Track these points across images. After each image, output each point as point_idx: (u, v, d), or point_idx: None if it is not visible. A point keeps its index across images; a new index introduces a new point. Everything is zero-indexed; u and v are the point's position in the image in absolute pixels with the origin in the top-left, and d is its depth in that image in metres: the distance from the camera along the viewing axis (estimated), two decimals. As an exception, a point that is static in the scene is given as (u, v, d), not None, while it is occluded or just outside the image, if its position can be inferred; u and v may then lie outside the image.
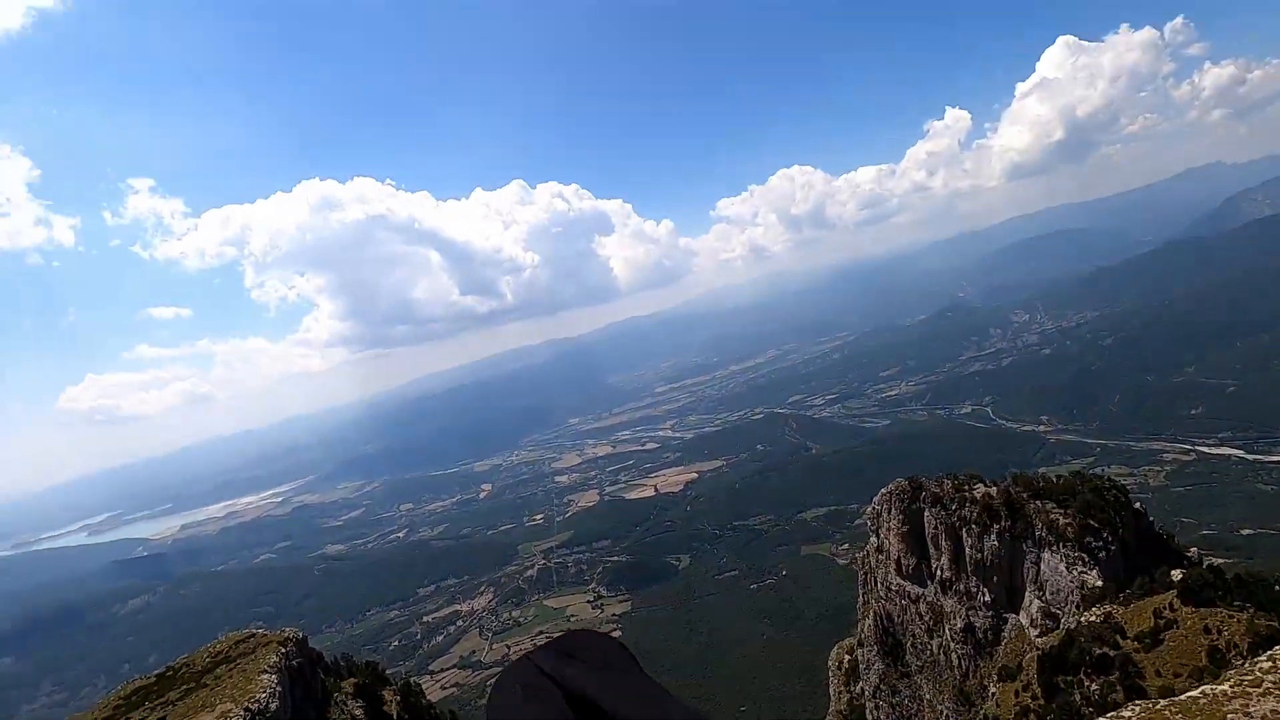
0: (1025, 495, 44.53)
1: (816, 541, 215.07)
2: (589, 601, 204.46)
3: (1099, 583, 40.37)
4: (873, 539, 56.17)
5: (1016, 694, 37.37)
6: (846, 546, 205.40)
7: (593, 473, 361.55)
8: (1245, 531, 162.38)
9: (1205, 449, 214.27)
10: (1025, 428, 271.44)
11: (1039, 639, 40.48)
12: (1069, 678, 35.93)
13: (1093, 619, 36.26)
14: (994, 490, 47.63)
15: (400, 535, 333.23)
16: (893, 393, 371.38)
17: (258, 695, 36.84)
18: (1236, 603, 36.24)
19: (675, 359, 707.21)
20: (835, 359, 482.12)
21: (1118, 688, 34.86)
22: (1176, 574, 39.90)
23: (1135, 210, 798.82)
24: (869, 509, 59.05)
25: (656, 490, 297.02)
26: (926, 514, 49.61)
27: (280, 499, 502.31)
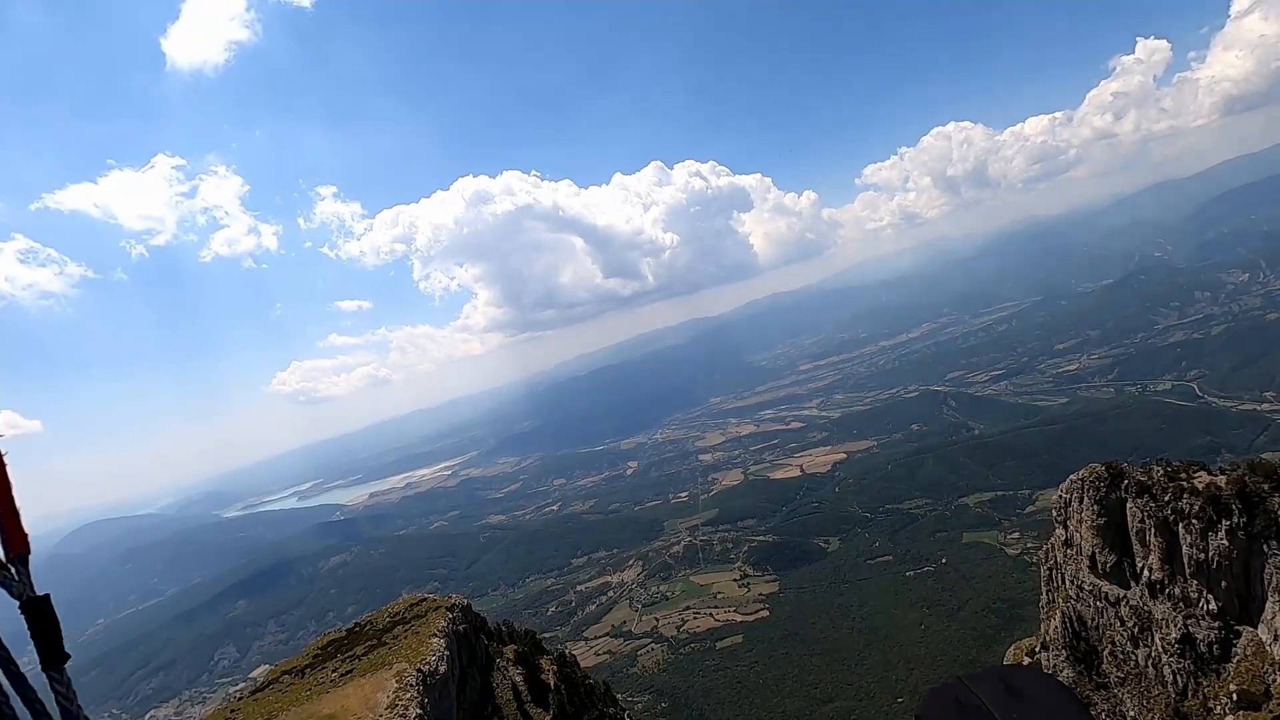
0: (1266, 486, 36.81)
1: (980, 529, 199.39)
2: (735, 580, 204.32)
3: None
4: (1059, 531, 49.83)
5: None
6: (1017, 535, 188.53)
7: (736, 452, 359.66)
8: None
9: None
10: (1243, 406, 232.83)
11: None
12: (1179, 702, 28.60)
13: None
14: (1221, 479, 39.91)
15: (554, 508, 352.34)
16: (1071, 368, 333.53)
17: (429, 658, 40.23)
18: None
19: (819, 335, 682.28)
20: (1001, 331, 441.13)
21: None
22: None
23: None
24: (1055, 497, 52.32)
25: (802, 470, 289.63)
26: (1130, 505, 42.71)
27: (450, 472, 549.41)
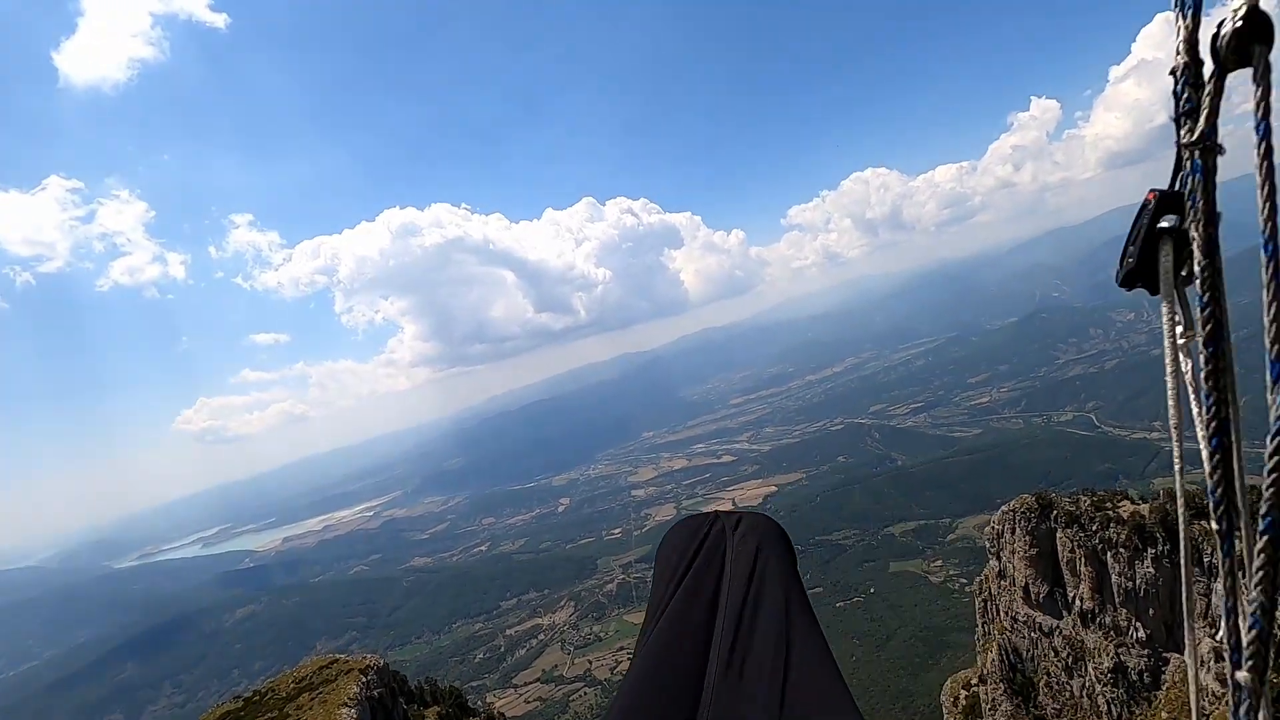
0: (1188, 515, 38.78)
1: (905, 558, 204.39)
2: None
3: None
4: (993, 562, 51.10)
5: None
6: (940, 563, 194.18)
7: (669, 486, 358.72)
8: None
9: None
10: (1135, 435, 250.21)
11: (1219, 686, 34.42)
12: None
13: None
14: (1145, 508, 41.93)
15: (483, 548, 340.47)
16: (983, 400, 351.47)
17: (339, 732, 36.53)
18: None
19: (749, 370, 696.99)
20: (919, 366, 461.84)
21: None
22: None
23: (1250, 194, 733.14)
24: (988, 528, 53.65)
25: (734, 504, 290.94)
26: (1060, 535, 44.33)
27: (371, 513, 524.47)
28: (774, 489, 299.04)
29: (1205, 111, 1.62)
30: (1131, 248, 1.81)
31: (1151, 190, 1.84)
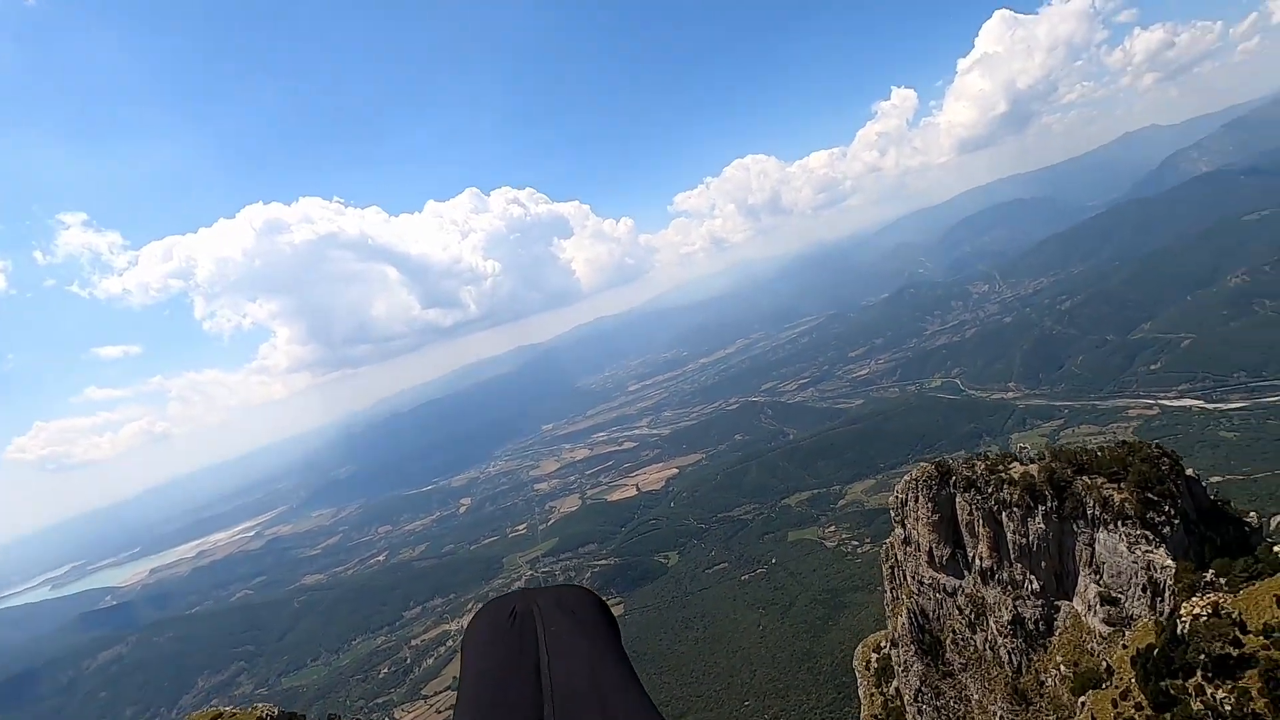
0: (1070, 471, 42.40)
1: (802, 526, 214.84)
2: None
3: (1168, 562, 38.01)
4: (898, 530, 54.05)
5: (1115, 703, 34.36)
6: (833, 529, 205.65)
7: (572, 477, 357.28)
8: (1215, 479, 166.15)
9: (1167, 402, 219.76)
10: (994, 396, 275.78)
11: (1104, 627, 37.97)
12: (1180, 682, 32.17)
13: (1199, 611, 32.75)
14: (1034, 469, 45.56)
15: (381, 559, 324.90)
16: (863, 372, 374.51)
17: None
18: None
19: (645, 356, 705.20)
20: (804, 343, 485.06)
21: (1254, 695, 30.30)
22: None
23: (1079, 176, 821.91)
24: (891, 499, 56.69)
25: (638, 489, 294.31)
26: (959, 499, 47.46)
27: (253, 533, 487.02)
28: (675, 471, 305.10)
29: None
30: None
31: None
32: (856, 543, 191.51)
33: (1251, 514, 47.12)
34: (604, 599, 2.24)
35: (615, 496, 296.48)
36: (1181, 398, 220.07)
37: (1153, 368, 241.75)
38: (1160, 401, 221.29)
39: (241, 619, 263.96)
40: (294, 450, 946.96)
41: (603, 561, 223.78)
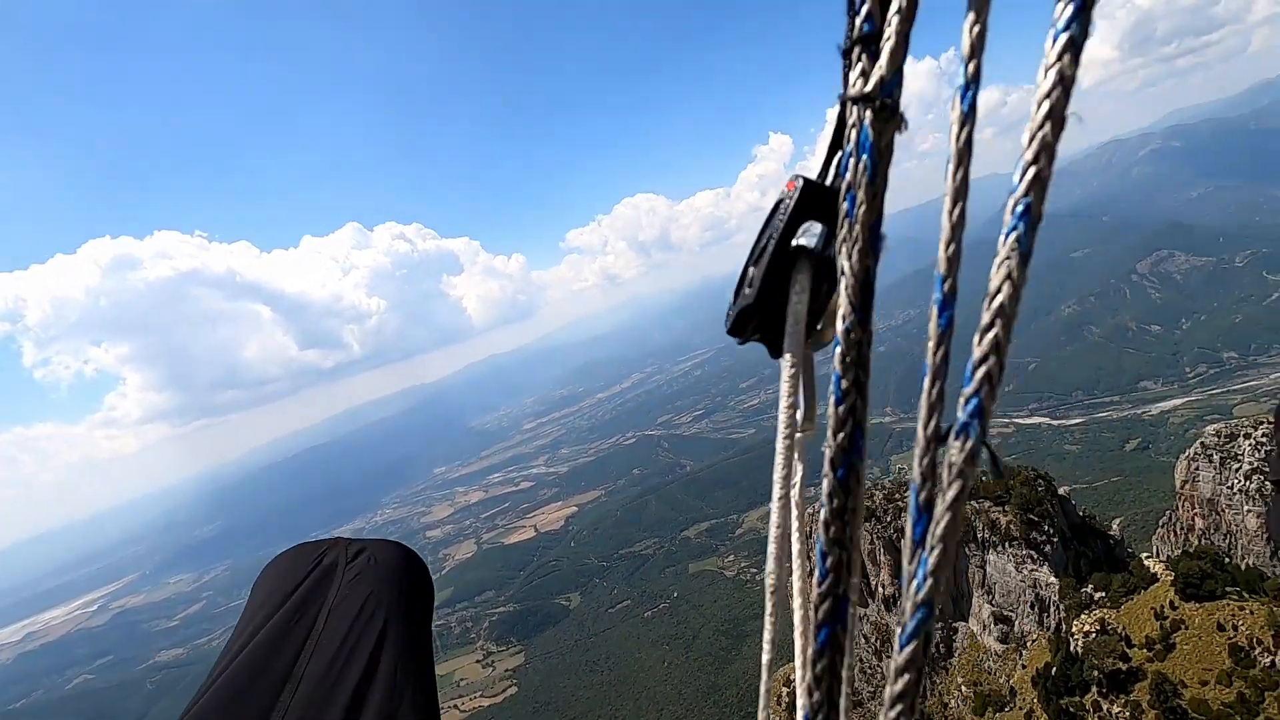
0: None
1: (702, 558, 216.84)
2: (479, 661, 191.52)
3: (1052, 579, 41.01)
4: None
5: None
6: (732, 558, 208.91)
7: (467, 522, 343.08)
8: (1063, 490, 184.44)
9: (1020, 420, 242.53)
10: (874, 420, 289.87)
11: (999, 645, 40.13)
12: (1078, 699, 34.31)
13: (1089, 628, 35.32)
14: None
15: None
16: (754, 402, 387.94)
17: None
18: (1236, 592, 35.59)
19: (540, 393, 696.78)
20: (697, 376, 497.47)
21: (1144, 708, 32.35)
22: (1156, 565, 40.29)
23: (936, 217, 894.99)
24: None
25: (537, 530, 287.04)
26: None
27: (95, 607, 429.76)
28: (575, 509, 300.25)
29: (890, 45, 0.93)
30: (753, 271, 1.12)
31: (793, 177, 1.11)
32: (755, 570, 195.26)
33: (1114, 527, 52.32)
34: (425, 567, 2.01)
35: (513, 539, 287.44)
36: (1032, 415, 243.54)
37: (1007, 389, 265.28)
38: (1015, 420, 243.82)
39: (82, 708, 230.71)
40: (148, 509, 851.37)
41: (501, 609, 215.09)
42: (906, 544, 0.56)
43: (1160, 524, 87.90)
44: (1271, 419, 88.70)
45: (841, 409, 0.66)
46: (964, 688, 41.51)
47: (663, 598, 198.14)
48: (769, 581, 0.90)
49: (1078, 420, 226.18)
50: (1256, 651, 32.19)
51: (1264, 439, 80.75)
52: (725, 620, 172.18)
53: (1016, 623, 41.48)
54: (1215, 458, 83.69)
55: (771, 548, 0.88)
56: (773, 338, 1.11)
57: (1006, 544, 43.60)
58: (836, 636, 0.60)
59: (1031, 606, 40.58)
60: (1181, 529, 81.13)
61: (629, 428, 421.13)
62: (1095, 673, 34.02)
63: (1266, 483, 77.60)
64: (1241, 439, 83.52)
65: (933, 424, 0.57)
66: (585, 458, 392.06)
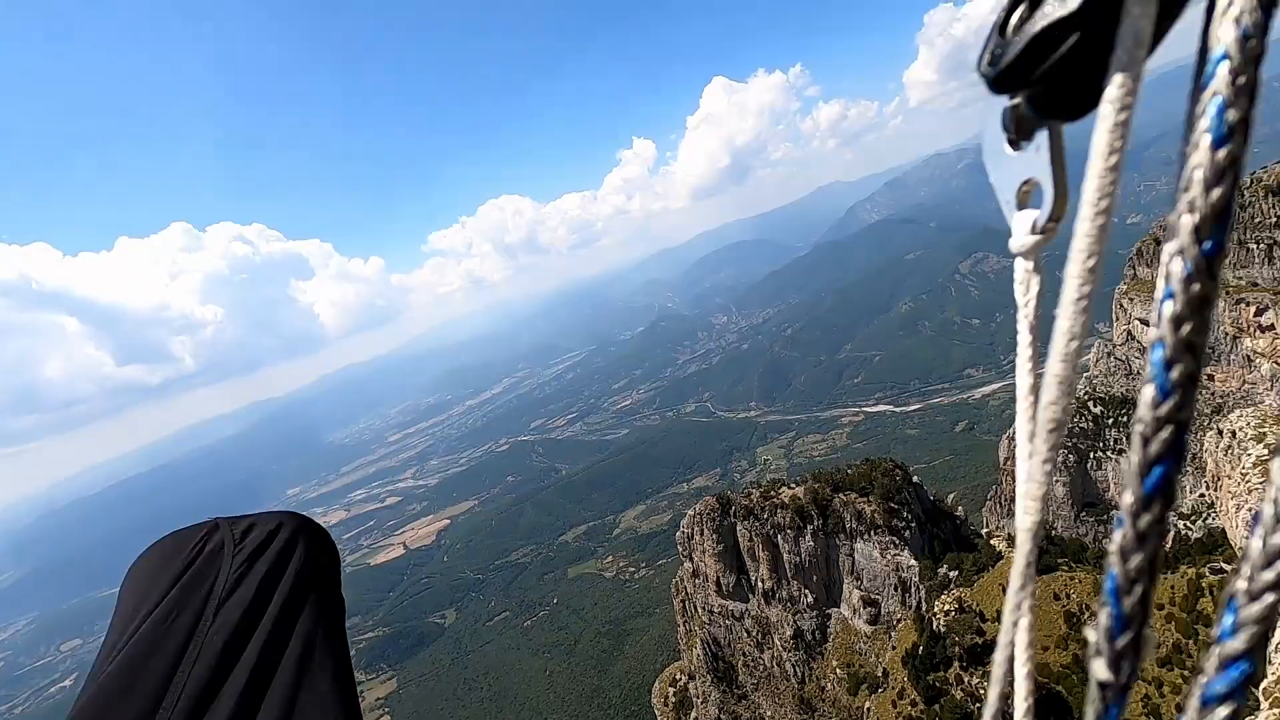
0: (829, 491, 47.85)
1: (581, 561, 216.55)
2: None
3: (912, 562, 44.31)
4: (686, 564, 56.33)
5: (894, 704, 38.62)
6: (610, 559, 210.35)
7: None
8: (915, 478, 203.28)
9: (869, 409, 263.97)
10: (740, 415, 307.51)
11: (868, 627, 42.69)
12: (942, 674, 37.14)
13: (948, 607, 38.26)
14: (801, 491, 50.83)
15: (67, 683, 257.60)
16: (626, 403, 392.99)
17: None
18: (1066, 563, 40.31)
19: (405, 403, 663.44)
20: (569, 379, 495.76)
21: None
22: (1000, 544, 44.43)
23: (788, 222, 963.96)
24: (678, 534, 58.93)
25: (406, 547, 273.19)
26: (739, 528, 51.07)
27: None
28: (447, 522, 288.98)
29: None
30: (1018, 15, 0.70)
31: None
32: (633, 569, 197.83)
33: (959, 509, 58.18)
34: (328, 535, 1.71)
35: (380, 559, 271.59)
36: (878, 404, 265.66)
37: (856, 381, 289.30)
38: (864, 409, 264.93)
39: None
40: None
41: (370, 634, 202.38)
42: None
43: (989, 497, 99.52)
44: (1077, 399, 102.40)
45: (1221, 153, 0.48)
46: (839, 670, 44.56)
47: (542, 605, 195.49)
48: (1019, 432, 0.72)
49: (916, 406, 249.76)
50: (1086, 616, 36.90)
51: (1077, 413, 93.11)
52: (606, 621, 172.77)
53: (883, 605, 45.17)
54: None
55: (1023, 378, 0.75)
56: (1068, 83, 0.69)
57: (871, 532, 47.49)
58: (1170, 478, 0.51)
59: (895, 589, 44.35)
60: (1005, 500, 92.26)
61: (501, 434, 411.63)
62: (956, 648, 37.92)
63: (1070, 455, 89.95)
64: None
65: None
66: (456, 468, 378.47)
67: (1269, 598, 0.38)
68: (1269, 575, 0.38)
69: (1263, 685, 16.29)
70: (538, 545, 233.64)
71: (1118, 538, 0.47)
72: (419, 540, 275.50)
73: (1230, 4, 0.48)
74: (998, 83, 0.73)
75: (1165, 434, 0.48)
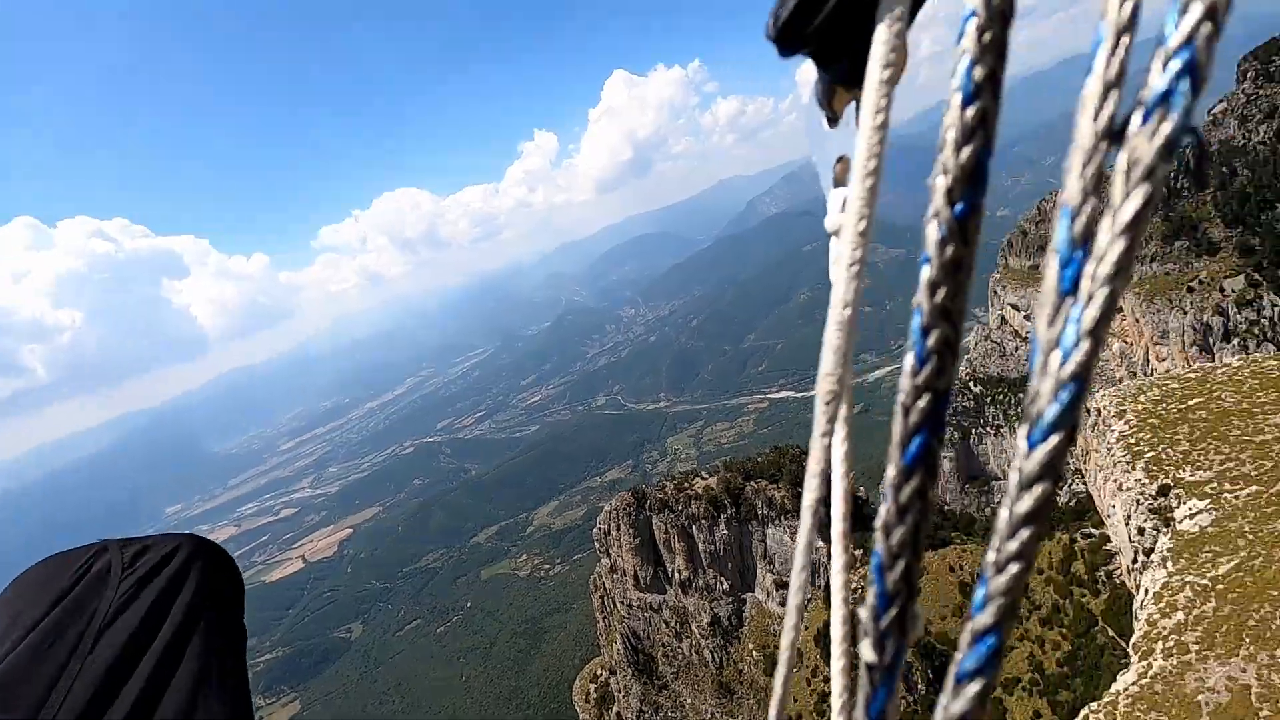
0: (741, 479, 48.90)
1: (494, 562, 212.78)
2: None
3: (821, 543, 45.78)
4: (604, 560, 56.21)
5: (808, 681, 39.91)
6: (525, 557, 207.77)
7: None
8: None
9: (773, 396, 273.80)
10: (650, 407, 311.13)
11: (780, 609, 43.78)
12: (852, 649, 38.47)
13: (856, 585, 39.78)
14: (714, 481, 51.77)
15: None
16: (536, 399, 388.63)
17: None
18: (959, 537, 42.95)
19: (299, 408, 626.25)
20: (476, 376, 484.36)
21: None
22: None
23: (690, 215, 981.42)
24: (594, 531, 58.68)
25: (305, 560, 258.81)
26: (655, 521, 51.44)
27: None
28: (349, 531, 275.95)
29: None
30: None
31: None
32: (549, 566, 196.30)
33: (860, 489, 61.20)
34: (229, 558, 1.57)
35: (276, 575, 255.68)
36: (781, 390, 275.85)
37: (760, 369, 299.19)
38: (768, 396, 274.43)
39: None
40: None
41: (268, 655, 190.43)
42: (1048, 297, 0.41)
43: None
44: (957, 383, 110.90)
45: (970, 110, 0.47)
46: (755, 652, 46.20)
47: (455, 610, 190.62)
48: (821, 405, 0.65)
49: (813, 392, 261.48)
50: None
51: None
52: (522, 621, 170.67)
53: (795, 586, 46.81)
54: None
55: (828, 356, 0.64)
56: (843, 40, 0.67)
57: (782, 517, 49.55)
58: (931, 447, 0.49)
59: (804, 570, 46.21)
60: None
61: (406, 436, 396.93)
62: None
63: (954, 433, 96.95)
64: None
65: (1106, 109, 0.40)
66: (358, 474, 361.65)
67: (1013, 568, 0.34)
68: (1013, 545, 0.35)
69: (1132, 640, 18.01)
70: (448, 549, 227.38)
71: (882, 512, 0.43)
72: (319, 552, 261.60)
73: None
74: (778, 43, 0.70)
75: (923, 402, 0.47)
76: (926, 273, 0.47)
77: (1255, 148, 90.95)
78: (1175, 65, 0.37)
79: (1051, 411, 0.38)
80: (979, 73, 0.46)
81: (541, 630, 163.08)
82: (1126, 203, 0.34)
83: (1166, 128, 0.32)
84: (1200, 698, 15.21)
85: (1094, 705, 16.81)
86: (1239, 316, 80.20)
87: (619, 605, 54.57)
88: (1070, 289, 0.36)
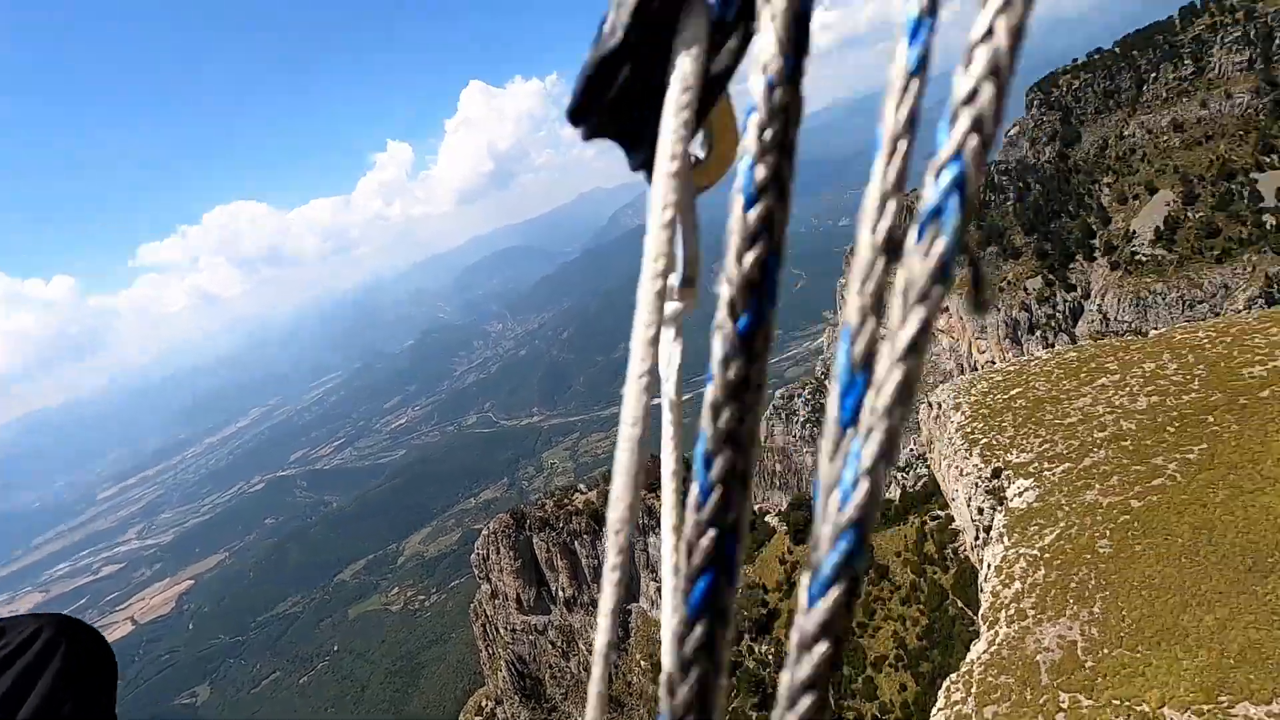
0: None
1: (363, 598, 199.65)
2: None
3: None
4: (484, 586, 53.71)
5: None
6: (397, 590, 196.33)
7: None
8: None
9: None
10: (524, 422, 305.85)
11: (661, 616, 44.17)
12: (734, 647, 39.21)
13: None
14: (594, 495, 50.99)
15: None
16: (401, 421, 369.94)
17: None
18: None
19: (123, 449, 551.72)
20: (333, 401, 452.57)
21: (783, 640, 38.65)
22: (774, 520, 47.96)
23: (555, 227, 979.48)
24: (473, 555, 56.01)
25: (135, 621, 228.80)
26: (536, 540, 49.88)
27: None
28: (189, 583, 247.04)
29: None
30: (614, 13, 0.57)
31: None
32: (423, 596, 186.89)
33: None
34: (99, 637, 1.47)
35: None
36: (654, 398, 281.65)
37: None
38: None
39: None
40: None
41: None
42: (829, 427, 0.39)
43: (754, 472, 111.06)
44: (812, 380, 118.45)
45: (753, 213, 0.44)
46: (643, 662, 46.41)
47: (320, 656, 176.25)
48: (612, 534, 0.53)
49: (688, 396, 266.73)
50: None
51: (810, 396, 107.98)
52: (397, 658, 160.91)
53: (679, 594, 47.73)
54: (783, 414, 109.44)
55: (618, 479, 0.53)
56: (638, 123, 0.63)
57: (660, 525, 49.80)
58: (719, 591, 0.43)
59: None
60: (767, 474, 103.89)
61: (254, 471, 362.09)
62: (746, 621, 41.92)
63: (813, 428, 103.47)
64: (796, 398, 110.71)
65: (884, 222, 0.39)
66: (197, 518, 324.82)
67: (835, 590, 0.37)
68: (792, 717, 0.37)
69: (980, 611, 19.94)
70: (309, 590, 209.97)
71: (666, 666, 0.43)
72: (152, 611, 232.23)
73: (759, 49, 0.44)
74: (570, 116, 0.64)
75: (707, 540, 0.41)
76: (710, 393, 0.43)
77: (1043, 165, 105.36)
78: (946, 178, 0.36)
79: (830, 562, 0.36)
80: (761, 173, 0.43)
81: (419, 665, 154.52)
82: (903, 328, 0.37)
83: (939, 246, 0.36)
84: (1039, 657, 17.03)
85: (954, 676, 18.36)
86: (1039, 311, 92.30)
87: (502, 631, 52.76)
88: (851, 419, 0.39)
